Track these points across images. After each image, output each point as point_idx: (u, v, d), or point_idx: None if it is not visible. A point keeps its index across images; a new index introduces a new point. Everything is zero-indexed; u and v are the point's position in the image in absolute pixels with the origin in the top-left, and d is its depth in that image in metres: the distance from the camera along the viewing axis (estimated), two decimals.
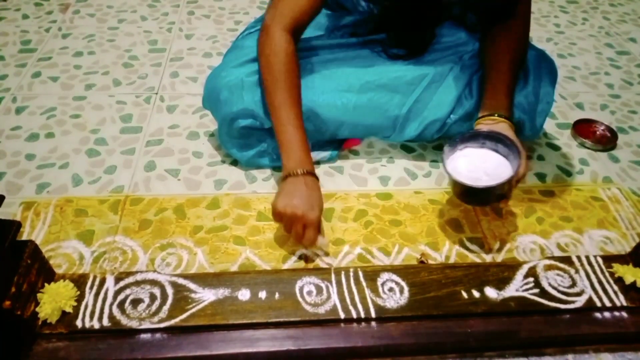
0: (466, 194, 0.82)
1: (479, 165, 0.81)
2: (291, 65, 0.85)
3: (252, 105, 0.90)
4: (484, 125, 0.85)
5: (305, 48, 0.97)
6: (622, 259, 0.82)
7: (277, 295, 0.73)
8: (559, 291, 0.76)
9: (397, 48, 0.98)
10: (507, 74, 0.88)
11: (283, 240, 0.87)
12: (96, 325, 0.68)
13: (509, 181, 0.78)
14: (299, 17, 0.86)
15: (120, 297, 0.72)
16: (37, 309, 0.68)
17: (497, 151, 0.82)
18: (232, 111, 0.91)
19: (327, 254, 0.85)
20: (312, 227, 0.79)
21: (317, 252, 0.85)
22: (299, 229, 0.79)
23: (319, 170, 1.00)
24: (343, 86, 0.94)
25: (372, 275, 0.77)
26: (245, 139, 0.96)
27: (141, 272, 0.76)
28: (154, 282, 0.74)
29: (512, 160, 0.80)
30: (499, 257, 0.86)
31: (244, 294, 0.73)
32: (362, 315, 0.72)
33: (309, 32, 1.02)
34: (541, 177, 1.02)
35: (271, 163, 1.00)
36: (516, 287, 0.76)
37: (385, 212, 0.93)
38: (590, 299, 0.75)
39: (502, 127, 0.83)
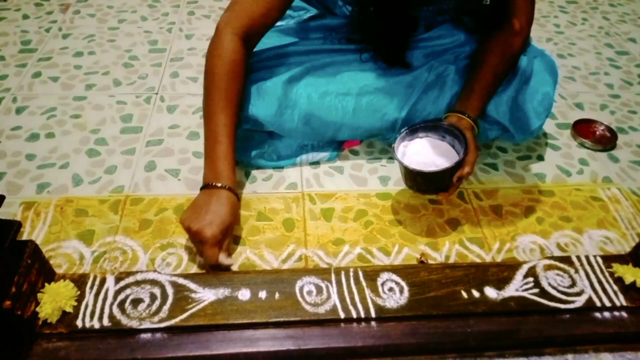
0: (405, 175, 0.86)
1: (431, 155, 0.84)
2: (234, 73, 0.83)
3: (252, 111, 0.90)
4: (450, 119, 0.87)
5: (303, 52, 0.97)
6: (621, 258, 0.82)
7: (277, 295, 0.73)
8: (558, 291, 0.76)
9: (376, 58, 0.97)
10: (488, 78, 0.90)
11: (283, 240, 0.87)
12: (96, 325, 0.68)
13: (445, 175, 0.81)
14: (252, 23, 0.84)
15: (121, 297, 0.72)
16: (38, 309, 0.68)
17: (453, 147, 0.85)
18: None
19: (228, 268, 0.79)
20: (207, 244, 0.75)
21: (221, 266, 0.79)
22: (198, 245, 0.78)
23: (319, 170, 1.01)
24: (342, 89, 0.94)
25: (372, 275, 0.77)
26: (245, 141, 0.96)
27: (141, 272, 0.76)
28: (154, 282, 0.74)
29: (461, 158, 0.82)
30: (499, 257, 0.86)
31: (244, 294, 0.73)
32: (362, 315, 0.72)
33: (306, 36, 1.02)
34: (541, 177, 1.02)
35: (272, 163, 1.00)
36: (516, 287, 0.76)
37: (385, 212, 0.93)
38: (590, 299, 0.75)
39: (464, 124, 0.86)
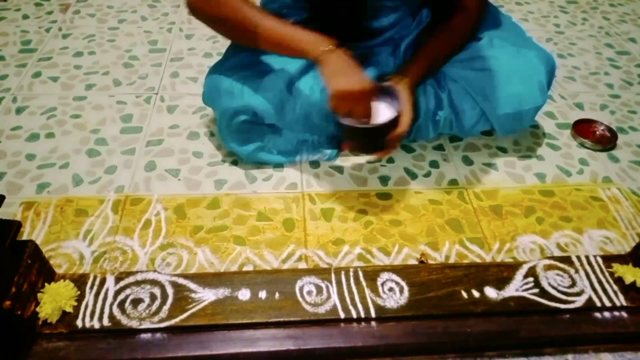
0: (345, 134, 0.86)
1: (375, 116, 0.84)
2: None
3: (253, 102, 0.90)
4: (390, 81, 0.88)
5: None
6: (621, 258, 0.82)
7: (277, 295, 0.73)
8: (558, 291, 0.76)
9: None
10: (433, 51, 0.93)
11: (283, 240, 0.87)
12: (96, 325, 0.68)
13: (377, 133, 0.82)
14: None
15: (121, 297, 0.72)
16: (38, 309, 0.68)
17: (393, 107, 0.85)
18: (232, 107, 0.91)
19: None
20: (367, 97, 0.80)
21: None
22: (355, 104, 0.79)
23: (319, 170, 1.01)
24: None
25: (372, 275, 0.77)
26: (246, 133, 0.96)
27: (141, 272, 0.76)
28: (154, 282, 0.74)
29: (393, 117, 0.82)
30: (499, 257, 0.86)
31: (244, 294, 0.73)
32: (362, 315, 0.72)
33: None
34: (541, 177, 1.02)
35: (271, 158, 0.99)
36: (516, 287, 0.76)
37: (385, 212, 0.93)
38: (590, 299, 0.75)
39: (403, 85, 0.87)
